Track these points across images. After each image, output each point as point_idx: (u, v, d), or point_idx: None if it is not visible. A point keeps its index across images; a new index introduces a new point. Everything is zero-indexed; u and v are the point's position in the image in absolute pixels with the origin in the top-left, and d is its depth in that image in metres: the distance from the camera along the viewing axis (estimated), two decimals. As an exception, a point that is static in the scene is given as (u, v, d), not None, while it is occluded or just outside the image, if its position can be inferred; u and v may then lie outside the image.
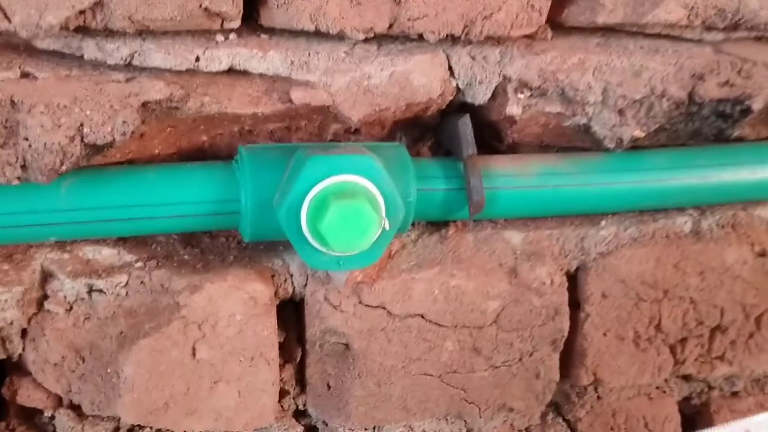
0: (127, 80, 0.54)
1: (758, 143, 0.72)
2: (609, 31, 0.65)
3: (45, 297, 0.60)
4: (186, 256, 0.63)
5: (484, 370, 0.67)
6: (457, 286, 0.64)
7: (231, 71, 0.57)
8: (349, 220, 0.53)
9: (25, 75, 0.54)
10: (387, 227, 0.56)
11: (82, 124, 0.52)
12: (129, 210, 0.57)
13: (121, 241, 0.62)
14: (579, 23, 0.63)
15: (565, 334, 0.68)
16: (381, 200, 0.56)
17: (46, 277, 0.60)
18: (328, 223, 0.53)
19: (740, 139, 0.72)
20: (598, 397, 0.74)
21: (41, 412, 0.64)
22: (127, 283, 0.60)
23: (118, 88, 0.53)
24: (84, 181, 0.56)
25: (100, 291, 0.60)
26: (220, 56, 0.55)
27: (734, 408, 0.78)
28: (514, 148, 0.70)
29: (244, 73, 0.57)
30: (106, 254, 0.61)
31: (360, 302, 0.63)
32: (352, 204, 0.53)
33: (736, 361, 0.74)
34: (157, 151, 0.61)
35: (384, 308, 0.63)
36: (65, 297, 0.60)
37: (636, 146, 0.69)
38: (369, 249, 0.57)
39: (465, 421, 0.68)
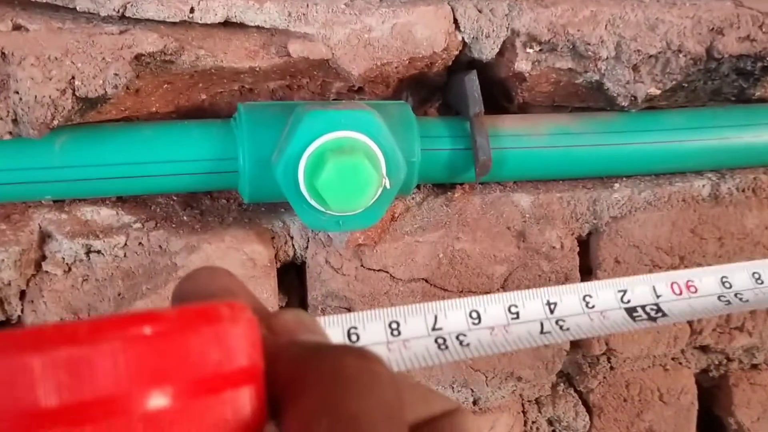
0: (121, 32, 0.53)
1: (783, 104, 0.69)
2: (624, -18, 0.62)
3: (43, 258, 0.59)
4: (185, 218, 0.61)
5: (491, 336, 0.65)
6: (462, 249, 0.62)
7: (228, 24, 0.55)
8: (347, 177, 0.51)
9: (17, 27, 0.53)
10: (388, 186, 0.54)
11: (73, 77, 0.51)
12: (124, 168, 0.56)
13: (120, 201, 0.61)
14: (592, -26, 0.60)
15: (576, 300, 0.66)
16: (381, 157, 0.54)
17: (44, 237, 0.59)
18: (325, 180, 0.51)
19: (763, 100, 0.69)
20: (611, 368, 0.71)
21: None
22: (125, 245, 0.59)
23: (110, 40, 0.52)
24: (78, 138, 0.55)
25: (99, 252, 0.59)
26: (215, 7, 0.54)
27: (754, 380, 0.75)
28: (524, 108, 0.68)
29: (241, 26, 0.56)
30: (105, 215, 0.60)
31: (362, 265, 0.61)
32: (350, 160, 0.51)
33: (756, 331, 0.72)
34: (154, 109, 0.59)
35: (386, 272, 0.61)
36: (63, 258, 0.59)
37: (652, 106, 0.66)
38: (369, 209, 0.55)
39: (471, 390, 0.66)
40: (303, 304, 0.64)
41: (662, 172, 0.67)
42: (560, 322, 0.40)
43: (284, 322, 0.25)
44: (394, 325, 0.37)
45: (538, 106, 0.67)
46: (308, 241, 0.61)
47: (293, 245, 0.62)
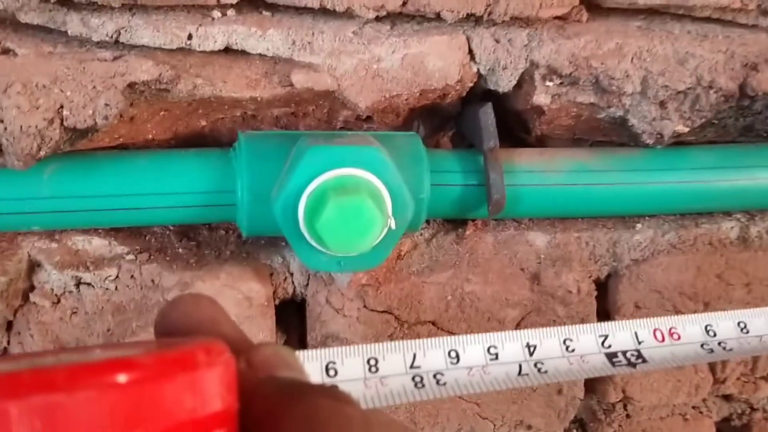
0: (114, 59, 0.50)
1: (818, 142, 0.65)
2: (652, 13, 0.58)
3: (31, 288, 0.57)
4: (180, 250, 0.58)
5: (500, 383, 0.61)
6: (472, 291, 0.58)
7: (228, 51, 0.52)
8: (349, 218, 0.48)
9: (5, 51, 0.50)
10: (393, 227, 0.51)
11: (61, 106, 0.48)
12: (116, 200, 0.53)
13: (114, 230, 0.58)
14: (618, 4, 0.56)
15: (592, 347, 0.62)
16: (387, 197, 0.50)
17: (33, 267, 0.57)
18: (326, 221, 0.48)
19: (798, 137, 0.65)
20: (627, 416, 0.68)
21: None
22: (117, 277, 0.56)
23: (102, 67, 0.49)
24: (68, 167, 0.52)
25: (89, 284, 0.56)
26: (215, 34, 0.51)
27: (779, 432, 0.71)
28: (543, 141, 0.64)
29: (243, 54, 0.53)
30: (97, 245, 0.57)
31: (365, 306, 0.57)
32: (352, 200, 0.48)
33: (783, 381, 0.68)
34: (150, 136, 0.56)
35: (391, 313, 0.58)
36: (52, 289, 0.56)
37: (678, 142, 0.62)
38: (373, 250, 0.51)
39: (479, 437, 0.63)
40: (302, 343, 0.61)
41: (688, 212, 0.64)
42: (539, 365, 0.40)
43: (263, 357, 0.26)
44: (372, 362, 0.38)
45: (557, 139, 0.63)
46: (309, 278, 0.58)
47: (293, 282, 0.58)
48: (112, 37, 0.50)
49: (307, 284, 0.58)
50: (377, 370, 0.37)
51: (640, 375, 0.64)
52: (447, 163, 0.58)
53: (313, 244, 0.50)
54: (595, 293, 0.61)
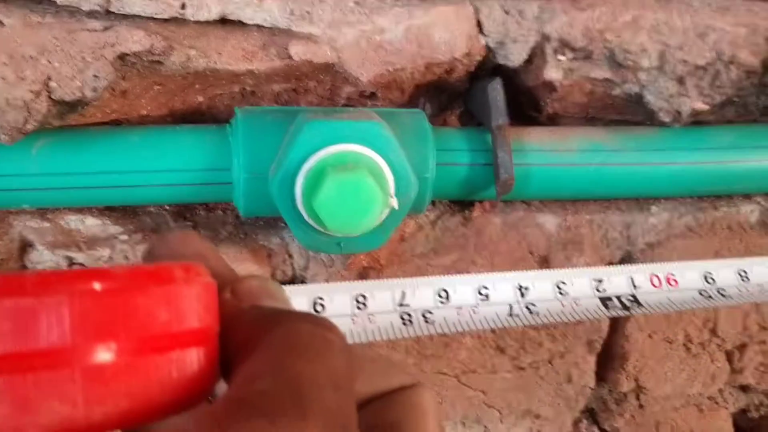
0: (105, 29, 0.48)
1: None
2: (671, -16, 0.56)
3: (23, 269, 0.55)
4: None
5: (507, 371, 0.59)
6: (479, 275, 0.56)
7: (224, 22, 0.50)
8: (348, 196, 0.45)
9: (-8, 21, 0.48)
10: (396, 206, 0.48)
11: (49, 78, 0.46)
12: (107, 177, 0.51)
13: (108, 210, 0.56)
14: (635, -26, 0.54)
15: (604, 334, 0.60)
16: (389, 175, 0.48)
17: (24, 247, 0.55)
18: (323, 199, 0.45)
19: (822, 117, 0.62)
20: (640, 406, 0.65)
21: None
22: (110, 257, 0.54)
23: (91, 37, 0.47)
24: (57, 143, 0.50)
25: (81, 265, 0.54)
26: (209, 3, 0.48)
27: (798, 424, 0.69)
28: (555, 121, 0.61)
29: (240, 25, 0.50)
30: (90, 224, 0.55)
31: (367, 289, 0.55)
32: (351, 177, 0.45)
33: (803, 372, 0.65)
34: (145, 112, 0.54)
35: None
36: (44, 270, 0.54)
37: (697, 121, 0.59)
38: (374, 231, 0.49)
39: (485, 427, 0.61)
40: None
41: (706, 194, 0.61)
42: (530, 306, 0.40)
43: (249, 288, 0.26)
44: (360, 299, 0.38)
45: (570, 118, 0.60)
46: (308, 260, 0.56)
47: (292, 264, 0.56)
48: (102, 6, 0.48)
49: (307, 267, 0.56)
50: (365, 306, 0.37)
51: (654, 363, 0.62)
52: (453, 141, 0.55)
53: (311, 224, 0.48)
54: (607, 278, 0.59)
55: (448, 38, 0.51)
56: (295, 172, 0.47)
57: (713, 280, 0.44)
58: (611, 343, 0.61)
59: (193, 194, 0.53)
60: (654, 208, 0.59)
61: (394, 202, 0.48)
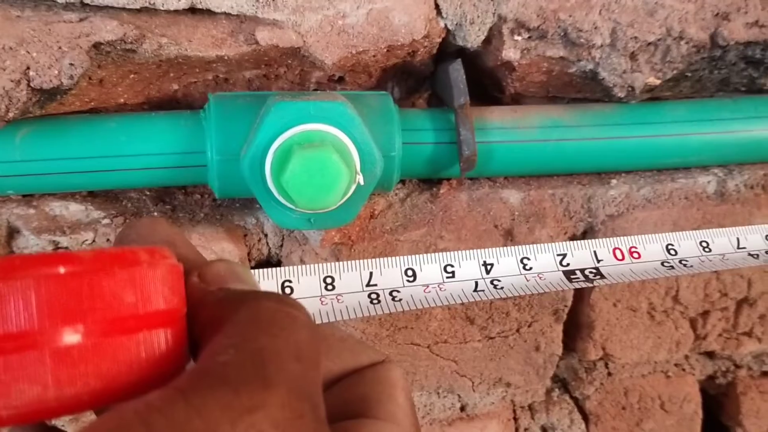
0: (80, 20, 0.50)
1: (796, 94, 0.64)
2: (621, -35, 0.58)
3: (11, 254, 0.57)
4: (156, 214, 0.59)
5: (477, 340, 0.61)
6: (446, 248, 0.59)
7: (194, 11, 0.52)
8: (314, 172, 0.48)
9: (-28, 15, 0.51)
10: (362, 182, 0.51)
11: (28, 67, 0.48)
12: (87, 162, 0.53)
13: (91, 196, 0.59)
14: (585, -44, 0.56)
15: (569, 303, 0.62)
16: (354, 152, 0.50)
17: (12, 233, 0.57)
18: (291, 175, 0.48)
19: (776, 91, 0.64)
20: (609, 374, 0.68)
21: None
22: (93, 241, 0.57)
23: (67, 28, 0.49)
24: (39, 131, 0.53)
25: (66, 248, 0.57)
26: (178, -8, 0.51)
27: (764, 389, 0.71)
28: (517, 101, 0.64)
29: (209, 13, 0.53)
30: (74, 210, 0.58)
31: (339, 265, 0.58)
32: (317, 154, 0.48)
33: (765, 337, 0.67)
34: (122, 100, 0.57)
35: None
36: (30, 254, 0.57)
37: (655, 97, 0.62)
38: (343, 206, 0.52)
39: (458, 396, 0.63)
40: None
41: (663, 167, 0.63)
42: (495, 282, 0.41)
43: (216, 271, 0.26)
44: (329, 280, 0.38)
45: (532, 97, 0.63)
46: (283, 239, 0.58)
47: (267, 243, 0.59)
48: (76, -2, 0.50)
49: (282, 245, 0.58)
50: (333, 288, 0.38)
51: (620, 331, 0.64)
52: (419, 122, 0.58)
53: (282, 200, 0.51)
54: (570, 249, 0.61)
55: (407, 21, 0.53)
56: (264, 152, 0.50)
57: (675, 251, 0.45)
58: (577, 312, 0.64)
59: (170, 177, 0.56)
60: (614, 181, 0.62)
61: (360, 178, 0.51)
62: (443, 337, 0.61)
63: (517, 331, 0.62)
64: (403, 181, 0.61)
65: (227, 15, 0.53)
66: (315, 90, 0.60)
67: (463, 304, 0.60)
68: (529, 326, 0.62)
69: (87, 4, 0.51)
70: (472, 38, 0.56)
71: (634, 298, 0.63)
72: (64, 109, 0.54)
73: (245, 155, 0.50)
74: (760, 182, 0.63)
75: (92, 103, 0.55)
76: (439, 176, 0.60)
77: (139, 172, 0.54)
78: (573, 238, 0.62)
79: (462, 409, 0.64)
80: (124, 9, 0.51)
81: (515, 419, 0.67)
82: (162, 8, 0.51)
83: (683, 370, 0.69)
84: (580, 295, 0.63)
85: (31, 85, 0.48)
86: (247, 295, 0.24)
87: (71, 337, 0.19)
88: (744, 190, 0.63)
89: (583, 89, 0.61)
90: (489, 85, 0.63)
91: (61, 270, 0.20)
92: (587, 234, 0.62)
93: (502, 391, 0.64)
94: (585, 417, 0.68)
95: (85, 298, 0.20)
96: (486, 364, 0.62)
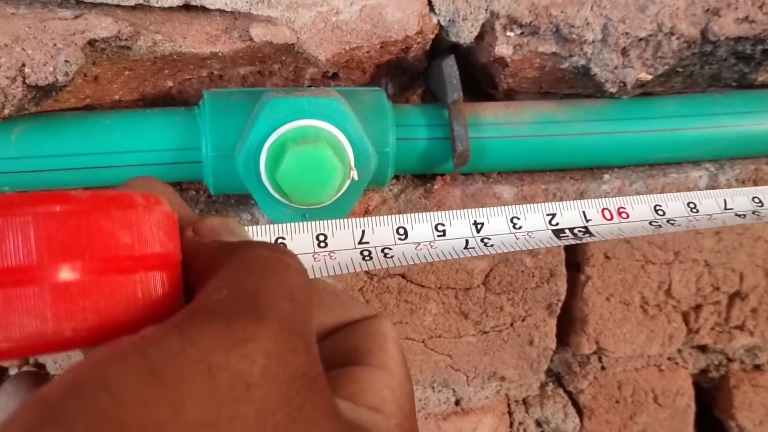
0: (75, 17, 0.51)
1: (786, 89, 0.65)
2: (613, -39, 0.58)
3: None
4: (151, 210, 0.59)
5: (471, 335, 0.62)
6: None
7: (188, 8, 0.53)
8: (308, 167, 0.48)
9: (-32, 13, 0.51)
10: (356, 177, 0.51)
11: (23, 64, 0.48)
12: (83, 159, 0.53)
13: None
14: (577, -48, 0.56)
15: (562, 297, 0.63)
16: (348, 147, 0.51)
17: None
18: (285, 171, 0.48)
19: (766, 86, 0.65)
20: (603, 368, 0.68)
21: (6, 369, 0.62)
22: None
23: (62, 25, 0.49)
24: (35, 128, 0.53)
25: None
26: (173, -10, 0.51)
27: (756, 382, 0.72)
28: (510, 95, 0.64)
29: (203, 10, 0.53)
30: (69, 207, 0.58)
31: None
32: (311, 149, 0.48)
33: (757, 330, 0.68)
34: (117, 97, 0.57)
35: (360, 268, 0.58)
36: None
37: (647, 92, 0.63)
38: (337, 202, 0.52)
39: (453, 390, 0.63)
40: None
41: (656, 162, 0.64)
42: (485, 240, 0.41)
43: (210, 225, 0.27)
44: (321, 237, 0.38)
45: (525, 93, 0.63)
46: (278, 234, 0.59)
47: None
48: (70, -5, 0.51)
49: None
50: (326, 245, 0.38)
51: (613, 325, 0.65)
52: (412, 117, 0.58)
53: (276, 196, 0.51)
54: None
55: (400, 17, 0.54)
56: (259, 148, 0.50)
57: (663, 212, 0.46)
58: (571, 306, 0.64)
59: (165, 173, 0.56)
60: (606, 176, 0.62)
61: (354, 174, 0.51)
62: (438, 331, 0.61)
63: (511, 325, 0.62)
64: (397, 177, 0.61)
65: (221, 12, 0.53)
66: (309, 86, 0.61)
67: (457, 297, 0.60)
68: (522, 320, 0.62)
69: (82, 2, 0.52)
70: (465, 34, 0.56)
71: (626, 292, 0.63)
72: (59, 106, 0.54)
73: (240, 151, 0.51)
74: (750, 177, 0.64)
75: (87, 100, 0.55)
76: (433, 172, 0.61)
77: (135, 169, 0.54)
78: (566, 232, 0.62)
79: (457, 403, 0.65)
80: (118, 6, 0.52)
81: (510, 413, 0.68)
82: (156, 5, 0.51)
83: (676, 363, 0.70)
84: (573, 289, 0.63)
85: (27, 82, 0.49)
86: (241, 244, 0.24)
87: (69, 273, 0.20)
88: (735, 184, 0.64)
89: (575, 85, 0.61)
90: (482, 81, 0.63)
91: (59, 208, 0.20)
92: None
93: (496, 386, 0.64)
94: (579, 411, 0.69)
95: (82, 236, 0.20)
96: (480, 359, 0.62)
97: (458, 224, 0.41)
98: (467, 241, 0.40)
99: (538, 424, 0.69)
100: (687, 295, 0.65)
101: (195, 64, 0.56)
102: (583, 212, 0.44)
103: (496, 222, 0.42)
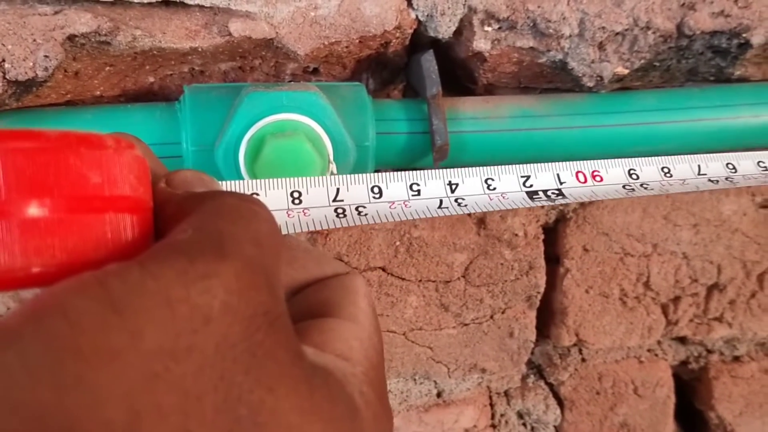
0: (55, 13, 0.51)
1: (762, 83, 0.65)
2: (589, -44, 0.59)
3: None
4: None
5: (452, 327, 0.62)
6: (420, 237, 0.59)
7: (168, 4, 0.53)
8: (287, 160, 0.49)
9: (-53, 9, 0.51)
10: (335, 171, 0.52)
11: (3, 60, 0.49)
12: (64, 153, 0.54)
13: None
14: (554, -53, 0.57)
15: (541, 290, 0.63)
16: (327, 141, 0.51)
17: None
18: (263, 164, 0.49)
19: (744, 80, 0.65)
20: (583, 360, 0.69)
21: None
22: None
23: (42, 21, 0.50)
24: (16, 123, 0.53)
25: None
26: (152, -15, 0.51)
27: (736, 373, 0.72)
28: (490, 90, 0.65)
29: (182, 6, 0.53)
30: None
31: (314, 253, 0.59)
32: (289, 142, 0.49)
33: (736, 322, 0.69)
34: (98, 93, 0.57)
35: (340, 260, 0.59)
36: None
37: (625, 87, 0.63)
38: (316, 195, 0.53)
39: (435, 382, 0.64)
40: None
41: (633, 155, 0.64)
42: (459, 200, 0.41)
43: (183, 177, 0.27)
44: (296, 194, 0.38)
45: (504, 88, 0.64)
46: (259, 228, 0.59)
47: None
48: (50, -9, 0.51)
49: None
50: (300, 202, 0.38)
51: (592, 317, 0.65)
52: (392, 112, 0.59)
53: (256, 189, 0.52)
54: (542, 237, 0.62)
55: (378, 12, 0.54)
56: (238, 142, 0.50)
57: (637, 176, 0.46)
58: (550, 299, 0.65)
59: (147, 168, 0.56)
60: (585, 170, 0.63)
61: (333, 167, 0.52)
62: (418, 324, 0.62)
63: (491, 317, 0.63)
64: (376, 171, 0.62)
65: (201, 7, 0.54)
66: (290, 81, 0.61)
67: (437, 290, 0.61)
68: (502, 313, 0.63)
69: (61, -3, 0.52)
70: (443, 29, 0.57)
71: (606, 284, 0.64)
72: (40, 101, 0.54)
73: (219, 145, 0.51)
74: (728, 170, 0.64)
75: (68, 96, 0.56)
76: (414, 166, 0.61)
77: (116, 163, 0.55)
78: (545, 226, 0.63)
79: (438, 395, 0.65)
80: (98, 2, 0.52)
81: (491, 405, 0.68)
82: (136, 1, 0.52)
83: (656, 355, 0.71)
84: (552, 282, 0.64)
85: (7, 77, 0.49)
86: (211, 193, 0.25)
87: (38, 209, 0.20)
88: (712, 177, 0.64)
89: (553, 79, 0.62)
90: (462, 76, 0.64)
91: (28, 145, 0.20)
92: (559, 222, 0.63)
93: (477, 377, 0.65)
94: (560, 402, 0.70)
95: (51, 173, 0.20)
96: (461, 351, 0.63)
97: (433, 184, 0.41)
98: (441, 201, 0.41)
99: (520, 415, 0.70)
100: (666, 287, 0.65)
101: (176, 60, 0.56)
102: (557, 174, 0.44)
103: (470, 182, 0.42)
